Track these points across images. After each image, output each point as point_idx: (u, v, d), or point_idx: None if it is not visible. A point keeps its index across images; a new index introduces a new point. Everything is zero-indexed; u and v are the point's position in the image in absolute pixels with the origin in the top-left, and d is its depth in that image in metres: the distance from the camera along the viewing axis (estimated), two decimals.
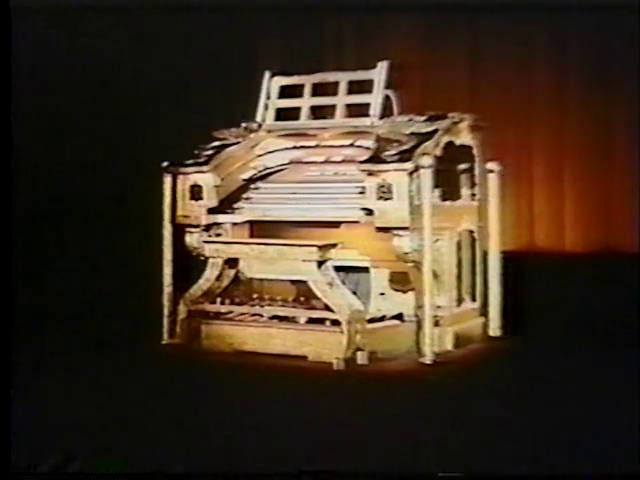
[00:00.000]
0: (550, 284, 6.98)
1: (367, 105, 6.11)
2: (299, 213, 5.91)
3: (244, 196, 6.23)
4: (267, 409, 4.60)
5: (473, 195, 6.16)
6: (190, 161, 6.19)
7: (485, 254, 6.25)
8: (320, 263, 5.63)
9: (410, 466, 3.78)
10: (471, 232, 6.12)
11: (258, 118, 6.49)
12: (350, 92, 6.22)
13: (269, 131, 6.45)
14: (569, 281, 7.05)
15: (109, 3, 7.89)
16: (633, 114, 7.70)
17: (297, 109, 6.39)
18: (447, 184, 5.81)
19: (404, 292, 5.90)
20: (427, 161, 5.48)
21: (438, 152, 5.69)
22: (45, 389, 4.96)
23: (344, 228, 5.91)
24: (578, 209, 8.16)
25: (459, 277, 5.98)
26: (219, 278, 6.04)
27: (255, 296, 6.11)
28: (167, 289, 6.21)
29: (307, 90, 6.36)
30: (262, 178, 6.36)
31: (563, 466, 3.73)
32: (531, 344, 5.98)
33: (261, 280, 6.15)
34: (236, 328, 5.90)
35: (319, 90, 6.36)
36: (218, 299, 6.03)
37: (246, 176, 6.36)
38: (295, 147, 6.43)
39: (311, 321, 5.74)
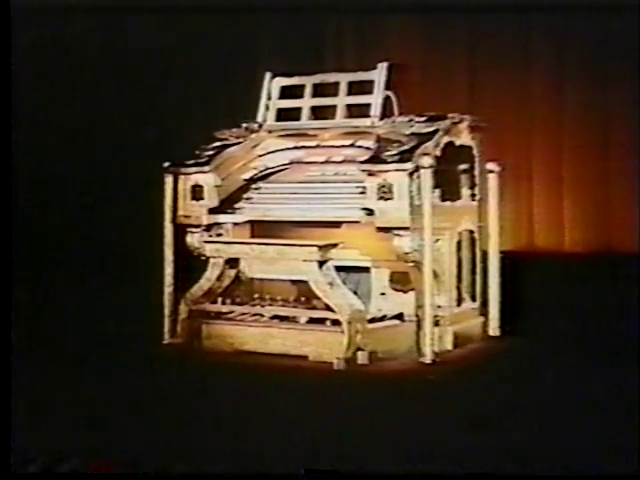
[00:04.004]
0: (550, 284, 6.99)
1: (367, 106, 6.12)
2: (300, 213, 5.92)
3: (245, 196, 6.24)
4: (267, 409, 4.61)
5: (473, 195, 6.17)
6: (191, 161, 6.20)
7: (485, 254, 6.26)
8: (321, 263, 5.64)
9: (410, 466, 3.79)
10: (471, 232, 6.12)
11: (259, 118, 6.49)
12: (350, 93, 6.23)
13: (270, 131, 6.46)
14: (569, 281, 7.06)
15: (109, 3, 7.90)
16: (633, 114, 7.72)
17: (298, 109, 6.40)
18: (447, 184, 5.82)
19: (404, 292, 5.90)
20: (427, 161, 5.50)
21: (438, 152, 5.69)
22: (45, 389, 4.97)
23: (345, 228, 5.92)
24: (578, 209, 8.17)
25: (459, 277, 5.99)
26: (220, 278, 6.05)
27: (256, 296, 6.12)
28: (168, 289, 6.22)
29: (308, 91, 6.37)
30: (263, 178, 6.37)
31: (563, 466, 3.74)
32: (531, 344, 5.99)
33: (262, 280, 6.16)
34: (237, 328, 5.91)
35: (320, 91, 6.37)
36: (219, 299, 6.03)
37: (247, 176, 6.37)
38: (296, 147, 6.44)
39: (312, 321, 5.75)
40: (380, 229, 5.59)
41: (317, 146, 6.37)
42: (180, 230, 6.24)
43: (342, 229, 5.93)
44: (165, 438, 4.18)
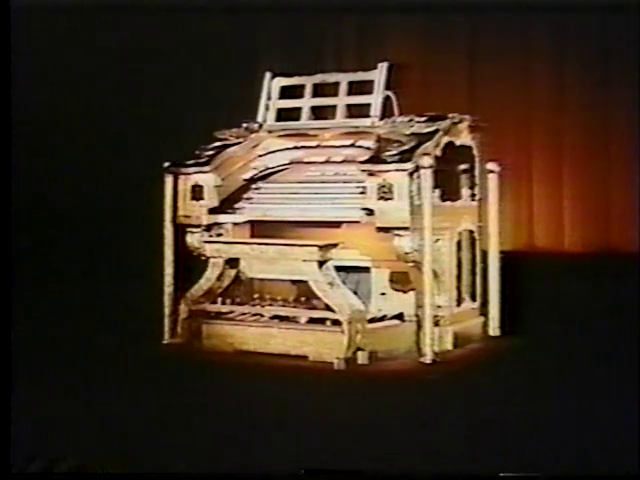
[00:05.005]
0: (550, 284, 7.00)
1: (368, 106, 6.12)
2: (300, 213, 5.92)
3: (245, 196, 6.24)
4: (268, 409, 4.61)
5: (473, 195, 6.17)
6: (191, 161, 6.20)
7: (485, 254, 6.27)
8: (321, 263, 5.64)
9: (410, 466, 3.79)
10: (471, 232, 6.13)
11: (259, 118, 6.50)
12: (350, 93, 6.24)
13: (270, 131, 6.46)
14: (569, 281, 7.06)
15: (109, 3, 7.90)
16: (633, 114, 7.72)
17: (298, 109, 6.40)
18: (447, 184, 5.82)
19: (404, 292, 5.90)
20: (427, 161, 5.50)
21: (438, 152, 5.70)
22: (45, 389, 4.97)
23: (345, 228, 5.92)
24: (578, 209, 8.18)
25: (459, 277, 5.99)
26: (220, 278, 6.05)
27: (256, 296, 6.12)
28: (168, 289, 6.22)
29: (308, 91, 6.37)
30: (263, 178, 6.37)
31: (563, 466, 3.74)
32: (531, 344, 5.99)
33: (262, 280, 6.16)
34: (237, 328, 5.91)
35: (320, 91, 6.37)
36: (219, 299, 6.03)
37: (247, 176, 6.38)
38: (296, 147, 6.44)
39: (312, 321, 5.75)
40: (380, 229, 5.59)
41: (317, 146, 6.37)
42: (180, 230, 6.24)
43: (342, 229, 5.93)
44: (165, 438, 4.18)
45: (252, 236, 6.27)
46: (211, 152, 6.26)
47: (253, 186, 6.31)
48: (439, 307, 5.74)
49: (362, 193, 5.67)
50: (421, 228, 5.50)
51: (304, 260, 5.66)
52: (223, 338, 5.92)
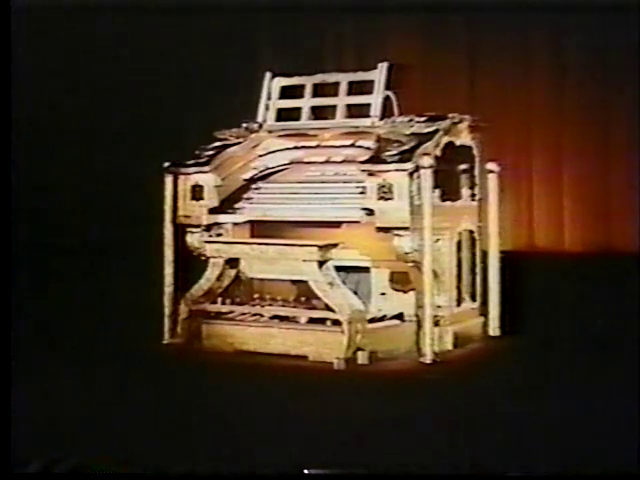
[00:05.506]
0: (550, 284, 6.99)
1: (367, 106, 6.12)
2: (300, 213, 5.92)
3: (245, 196, 6.24)
4: (268, 409, 4.61)
5: (473, 195, 6.17)
6: (191, 161, 6.21)
7: (485, 254, 6.27)
8: (321, 263, 5.64)
9: (410, 466, 3.79)
10: (471, 232, 6.13)
11: (259, 118, 6.50)
12: (350, 93, 6.24)
13: (270, 131, 6.47)
14: (569, 281, 7.06)
15: (109, 3, 7.90)
16: (633, 114, 7.72)
17: (298, 109, 6.40)
18: (447, 184, 5.83)
19: (404, 292, 5.91)
20: (427, 161, 5.50)
21: (438, 152, 5.70)
22: (45, 389, 4.97)
23: (345, 228, 5.92)
24: (578, 209, 8.17)
25: (459, 277, 5.99)
26: (220, 278, 6.05)
27: (256, 296, 6.12)
28: (168, 289, 6.23)
29: (308, 91, 6.38)
30: (263, 178, 6.37)
31: (563, 466, 3.74)
32: (531, 344, 5.99)
33: (262, 280, 6.16)
34: (237, 328, 5.92)
35: (320, 91, 6.38)
36: (219, 299, 6.04)
37: (247, 176, 6.38)
38: (296, 147, 6.44)
39: (312, 321, 5.75)
40: (380, 229, 5.60)
41: (317, 146, 6.37)
42: (180, 230, 6.24)
43: (342, 229, 5.93)
44: (165, 438, 4.17)
45: (252, 236, 6.27)
46: (211, 152, 6.26)
47: (253, 186, 6.31)
48: (439, 307, 5.74)
49: (362, 193, 5.67)
50: (421, 228, 5.50)
51: (304, 260, 5.67)
52: (223, 338, 5.92)
